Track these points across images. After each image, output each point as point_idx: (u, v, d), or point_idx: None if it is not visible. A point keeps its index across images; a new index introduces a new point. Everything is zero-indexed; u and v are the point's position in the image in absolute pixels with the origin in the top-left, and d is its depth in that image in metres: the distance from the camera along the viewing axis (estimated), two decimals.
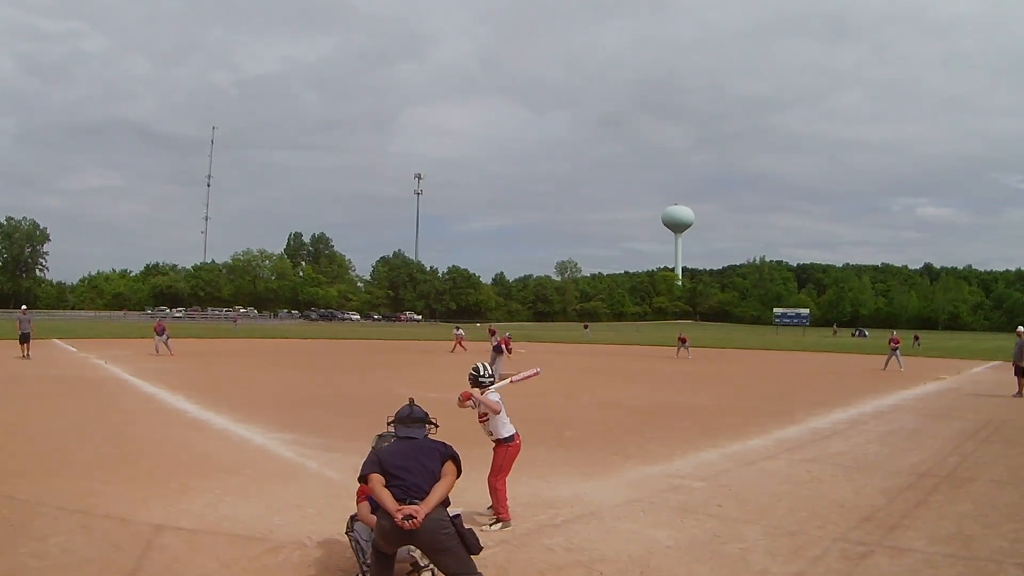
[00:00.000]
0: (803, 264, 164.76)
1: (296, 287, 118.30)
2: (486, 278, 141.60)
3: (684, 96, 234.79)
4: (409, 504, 3.86)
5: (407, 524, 3.74)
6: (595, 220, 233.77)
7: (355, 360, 27.85)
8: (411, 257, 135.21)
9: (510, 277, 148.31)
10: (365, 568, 4.36)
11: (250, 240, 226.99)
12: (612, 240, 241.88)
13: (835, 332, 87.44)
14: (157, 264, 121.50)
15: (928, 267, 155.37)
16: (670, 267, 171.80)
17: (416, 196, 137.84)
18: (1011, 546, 5.55)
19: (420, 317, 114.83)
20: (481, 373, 6.06)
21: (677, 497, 6.94)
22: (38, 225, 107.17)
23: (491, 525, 5.75)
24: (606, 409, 13.95)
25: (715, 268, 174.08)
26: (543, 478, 7.50)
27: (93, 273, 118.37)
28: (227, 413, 11.84)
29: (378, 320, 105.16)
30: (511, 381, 6.35)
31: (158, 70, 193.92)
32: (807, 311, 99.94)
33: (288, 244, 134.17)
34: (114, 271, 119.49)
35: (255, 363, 25.14)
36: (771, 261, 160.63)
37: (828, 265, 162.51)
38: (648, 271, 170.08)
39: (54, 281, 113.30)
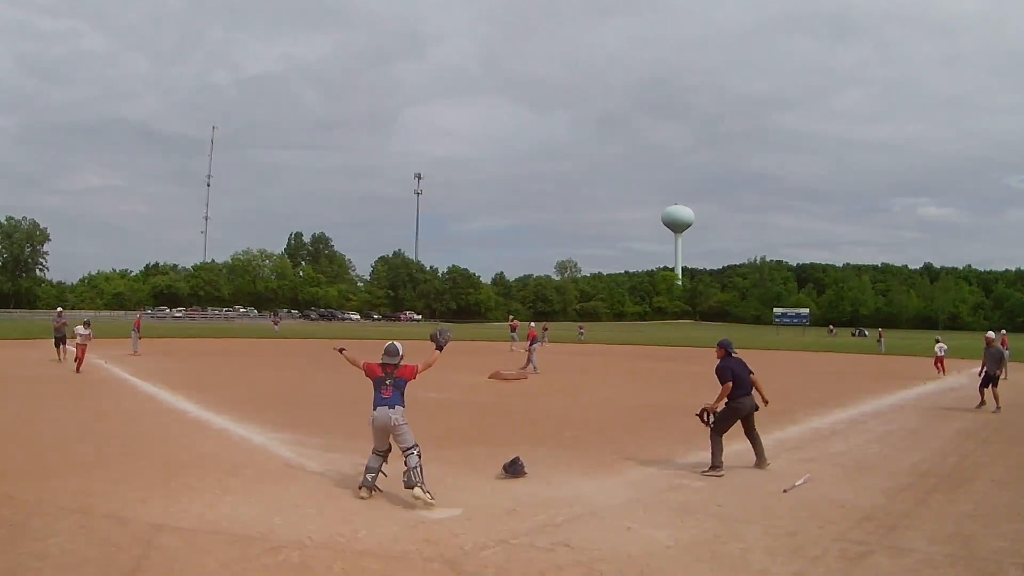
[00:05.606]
0: (803, 264, 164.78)
1: (296, 287, 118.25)
2: (486, 278, 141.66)
3: (684, 96, 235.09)
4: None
5: None
6: (595, 220, 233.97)
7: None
8: (411, 257, 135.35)
9: (510, 277, 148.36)
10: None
11: (250, 240, 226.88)
12: (612, 240, 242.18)
13: (832, 332, 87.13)
14: (157, 264, 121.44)
15: (928, 267, 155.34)
16: (670, 267, 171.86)
17: (416, 196, 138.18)
18: (1011, 546, 5.56)
19: (420, 317, 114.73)
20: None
21: (677, 497, 6.94)
22: (38, 225, 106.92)
23: None
24: (606, 409, 13.94)
25: (715, 268, 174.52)
26: (543, 478, 7.49)
27: (93, 273, 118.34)
28: (227, 413, 11.83)
29: (378, 320, 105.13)
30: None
31: (158, 70, 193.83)
32: (807, 311, 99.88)
33: (288, 244, 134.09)
34: (114, 271, 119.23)
35: (255, 363, 25.13)
36: (771, 261, 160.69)
37: (828, 265, 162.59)
38: (648, 271, 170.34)
39: (54, 281, 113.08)
